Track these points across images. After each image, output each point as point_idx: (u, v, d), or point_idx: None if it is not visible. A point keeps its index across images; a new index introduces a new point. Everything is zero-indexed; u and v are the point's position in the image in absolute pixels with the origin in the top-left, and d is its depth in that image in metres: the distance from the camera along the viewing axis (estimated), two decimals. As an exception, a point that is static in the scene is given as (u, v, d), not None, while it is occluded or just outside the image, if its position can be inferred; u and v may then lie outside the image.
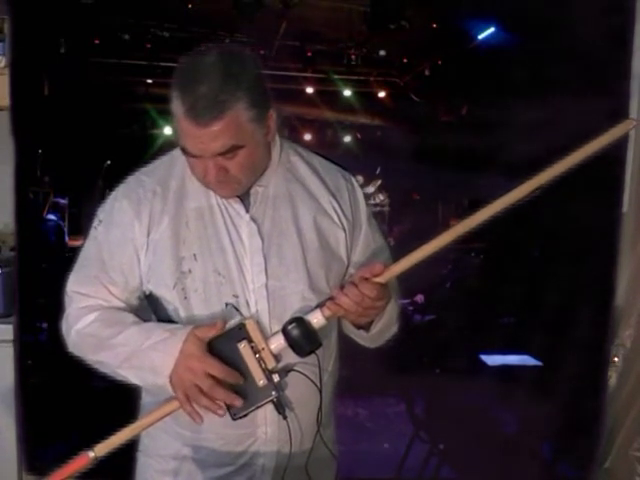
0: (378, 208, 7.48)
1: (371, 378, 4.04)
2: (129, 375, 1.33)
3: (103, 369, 1.37)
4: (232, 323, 1.31)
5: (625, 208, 2.78)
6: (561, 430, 3.14)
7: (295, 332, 1.27)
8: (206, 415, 1.31)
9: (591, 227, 3.03)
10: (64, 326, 1.42)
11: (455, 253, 6.24)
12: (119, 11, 5.36)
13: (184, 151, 1.28)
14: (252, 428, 1.36)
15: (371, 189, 7.80)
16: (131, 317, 1.37)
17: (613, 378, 2.78)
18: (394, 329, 1.48)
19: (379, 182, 7.82)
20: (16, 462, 2.88)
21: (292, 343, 1.27)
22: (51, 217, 5.80)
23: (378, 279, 1.28)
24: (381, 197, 7.64)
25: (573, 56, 3.20)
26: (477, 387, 3.34)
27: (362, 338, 1.47)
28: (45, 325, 4.15)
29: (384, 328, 1.43)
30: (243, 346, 1.27)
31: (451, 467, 3.19)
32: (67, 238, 5.91)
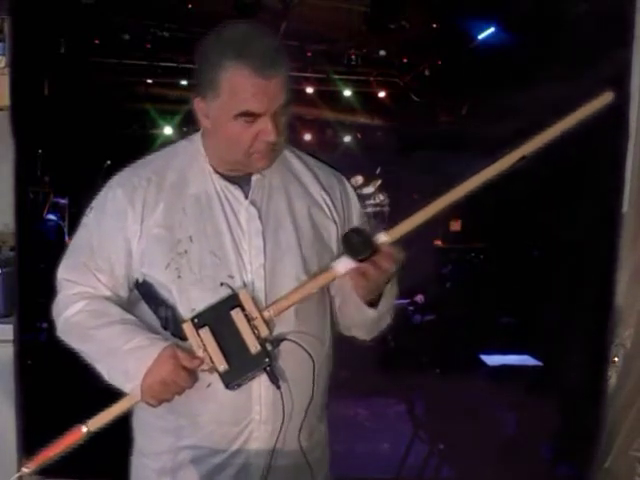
0: (378, 208, 7.47)
1: (371, 378, 4.04)
2: (103, 371, 1.37)
3: (86, 358, 1.40)
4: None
5: (625, 208, 2.78)
6: (561, 430, 3.14)
7: (355, 237, 1.27)
8: (201, 397, 1.35)
9: (591, 227, 3.03)
10: (54, 311, 1.46)
11: (455, 253, 6.24)
12: (119, 11, 5.35)
13: (245, 114, 1.32)
14: (248, 406, 1.37)
15: (371, 189, 7.78)
16: (118, 310, 1.39)
17: (613, 378, 2.78)
18: (389, 318, 1.50)
19: (379, 182, 7.80)
20: (16, 461, 2.89)
21: (350, 246, 1.27)
22: (51, 217, 5.79)
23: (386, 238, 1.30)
24: (381, 197, 7.62)
25: (572, 56, 3.20)
26: (477, 387, 3.34)
27: (366, 320, 1.46)
28: (45, 325, 4.15)
29: (385, 310, 1.44)
30: (236, 313, 1.28)
31: (451, 467, 3.19)
32: (67, 238, 5.90)
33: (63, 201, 6.44)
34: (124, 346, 1.32)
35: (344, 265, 1.30)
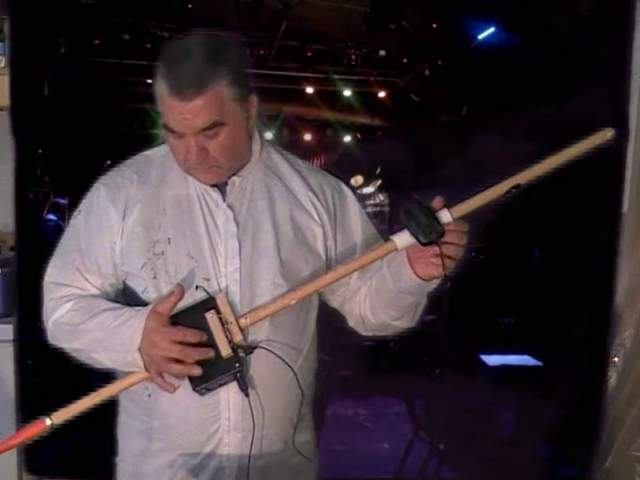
0: (378, 208, 7.48)
1: (371, 378, 4.04)
2: (102, 357, 1.35)
3: (80, 357, 1.40)
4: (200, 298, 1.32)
5: (625, 208, 2.78)
6: (561, 430, 3.15)
7: (424, 220, 1.22)
8: (170, 400, 1.34)
9: (591, 227, 3.03)
10: (43, 317, 1.45)
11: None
12: (119, 11, 5.35)
13: (167, 129, 1.32)
14: (216, 412, 1.37)
15: (371, 189, 7.80)
16: (104, 302, 1.39)
17: (613, 378, 2.78)
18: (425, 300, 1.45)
19: (379, 182, 7.82)
20: (16, 462, 2.88)
21: (419, 229, 1.22)
22: (51, 217, 5.79)
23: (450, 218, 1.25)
24: (381, 197, 7.64)
25: (573, 56, 3.20)
26: (477, 387, 3.34)
27: (414, 302, 1.41)
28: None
29: (421, 302, 1.42)
30: (211, 315, 1.28)
31: (451, 467, 3.19)
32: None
33: (63, 201, 6.44)
34: (113, 323, 1.32)
35: (405, 241, 1.25)
